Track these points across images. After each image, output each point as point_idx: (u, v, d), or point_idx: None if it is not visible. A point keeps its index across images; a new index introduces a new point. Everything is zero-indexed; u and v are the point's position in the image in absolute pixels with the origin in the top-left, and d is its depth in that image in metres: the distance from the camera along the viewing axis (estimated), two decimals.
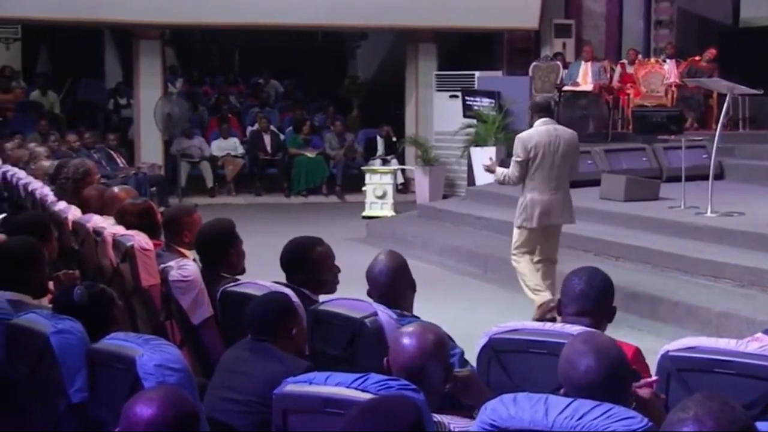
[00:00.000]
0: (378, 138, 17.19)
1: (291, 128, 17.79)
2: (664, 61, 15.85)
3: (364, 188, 14.77)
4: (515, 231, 8.15)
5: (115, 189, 6.74)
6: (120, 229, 5.45)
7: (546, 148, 7.90)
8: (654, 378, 3.34)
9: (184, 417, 2.60)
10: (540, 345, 3.49)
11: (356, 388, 2.87)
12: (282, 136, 17.45)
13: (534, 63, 16.33)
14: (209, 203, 15.32)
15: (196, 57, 22.62)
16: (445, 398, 3.22)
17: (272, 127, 17.45)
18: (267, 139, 17.03)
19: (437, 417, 2.86)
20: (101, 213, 6.18)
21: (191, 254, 5.32)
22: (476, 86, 15.12)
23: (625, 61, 16.43)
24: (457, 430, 2.93)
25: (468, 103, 14.70)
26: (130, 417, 2.56)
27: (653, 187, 11.42)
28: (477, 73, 15.41)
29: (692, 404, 2.31)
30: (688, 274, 8.90)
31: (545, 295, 7.99)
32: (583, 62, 15.68)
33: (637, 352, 3.69)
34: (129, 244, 5.09)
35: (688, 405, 2.31)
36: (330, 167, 16.89)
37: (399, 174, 16.24)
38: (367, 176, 14.81)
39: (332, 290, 4.69)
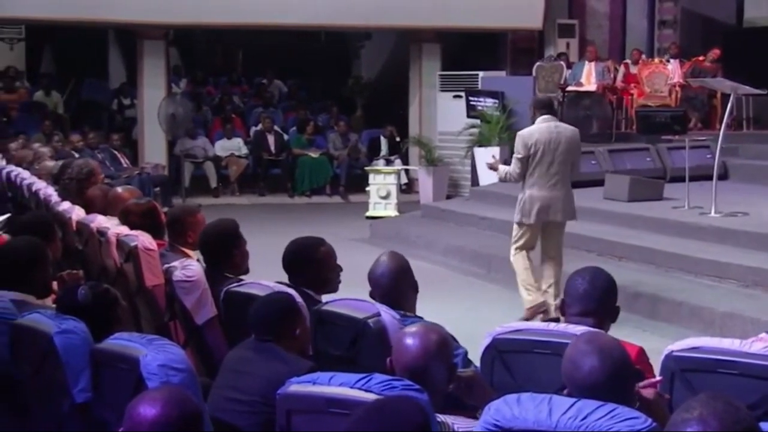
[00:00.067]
0: (382, 138, 17.20)
1: (295, 128, 17.79)
2: (668, 61, 15.83)
3: (367, 188, 14.78)
4: (514, 227, 8.23)
5: (119, 189, 6.74)
6: (124, 229, 5.45)
7: (546, 145, 7.94)
8: (658, 378, 3.34)
9: (188, 417, 2.60)
10: (544, 345, 3.49)
11: (360, 389, 2.87)
12: (286, 137, 17.45)
13: (538, 63, 16.33)
14: (213, 203, 15.32)
15: (200, 57, 22.62)
16: (448, 398, 3.22)
17: (276, 128, 17.45)
18: (271, 139, 17.03)
19: (441, 417, 2.86)
20: (105, 213, 6.19)
21: (195, 254, 5.32)
22: (480, 86, 15.12)
23: (628, 61, 16.41)
24: (460, 430, 2.93)
25: (472, 103, 14.70)
26: (134, 417, 2.56)
27: (657, 187, 11.41)
28: (480, 74, 15.41)
29: (696, 404, 2.31)
30: (691, 274, 8.89)
31: (536, 297, 8.08)
32: (586, 62, 15.67)
33: (641, 352, 3.69)
34: (133, 244, 5.10)
35: (693, 405, 2.31)
36: (334, 167, 16.89)
37: (403, 174, 16.25)
38: (371, 176, 14.81)
39: (335, 289, 4.69)
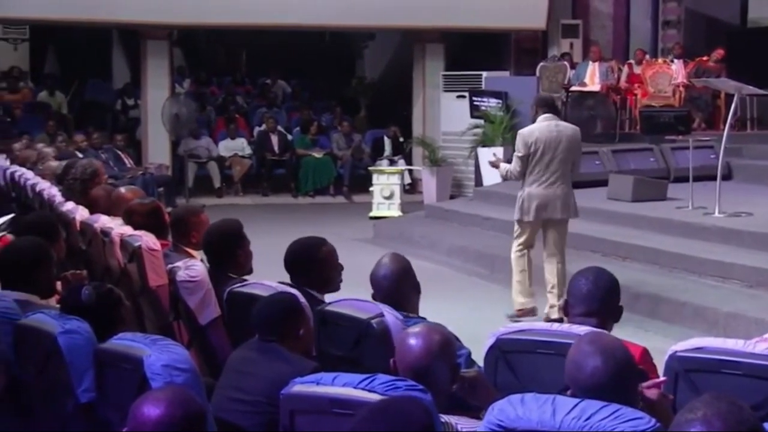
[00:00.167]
0: (385, 138, 17.20)
1: (298, 129, 17.80)
2: (672, 61, 15.81)
3: (371, 189, 14.78)
4: (515, 225, 8.31)
5: (122, 189, 6.74)
6: (128, 230, 5.46)
7: (546, 144, 8.00)
8: (662, 378, 3.34)
9: (192, 417, 2.61)
10: (547, 345, 3.49)
11: (364, 389, 2.87)
12: (289, 137, 17.47)
13: (541, 63, 16.32)
14: (216, 204, 15.34)
15: (204, 57, 22.65)
16: (452, 399, 3.22)
17: (279, 128, 17.46)
18: (274, 139, 17.05)
19: (444, 418, 2.86)
20: (109, 213, 6.19)
21: (198, 254, 5.32)
22: (483, 86, 15.11)
23: (632, 61, 16.40)
24: (464, 430, 2.92)
25: (475, 103, 14.70)
26: (138, 417, 2.57)
27: (661, 187, 11.40)
28: (484, 74, 15.40)
29: (700, 405, 2.31)
30: (695, 274, 8.89)
31: (527, 300, 8.21)
32: (590, 62, 15.66)
33: (645, 352, 3.69)
34: (136, 244, 5.10)
35: (696, 406, 2.31)
36: (337, 168, 16.90)
37: (406, 174, 16.25)
38: (375, 177, 14.81)
39: (337, 289, 4.70)
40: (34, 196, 8.62)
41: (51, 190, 8.03)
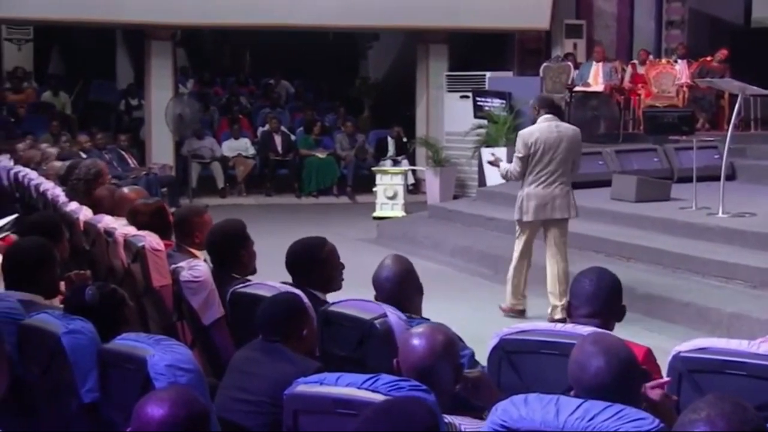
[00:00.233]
0: (389, 139, 17.21)
1: (302, 129, 17.81)
2: (676, 61, 15.80)
3: (374, 189, 14.78)
4: (516, 225, 8.41)
5: (126, 189, 6.75)
6: (131, 230, 5.46)
7: (546, 144, 8.07)
8: (666, 379, 3.34)
9: (195, 417, 2.61)
10: (551, 346, 3.49)
11: (367, 389, 2.87)
12: (293, 137, 17.47)
13: (545, 63, 16.30)
14: (220, 204, 15.34)
15: (208, 58, 22.66)
16: (455, 399, 3.22)
17: (283, 128, 17.47)
18: (278, 139, 17.05)
19: (448, 418, 2.85)
20: (112, 213, 6.19)
21: (202, 255, 5.32)
22: (487, 87, 15.11)
23: (636, 61, 16.39)
24: (467, 430, 2.92)
25: (479, 103, 14.70)
26: (142, 417, 2.57)
27: (664, 187, 11.39)
28: (488, 74, 15.40)
29: (704, 405, 2.31)
30: (699, 274, 8.88)
31: (518, 302, 8.36)
32: (594, 63, 15.64)
33: (649, 352, 3.68)
34: (140, 244, 5.10)
35: (700, 406, 2.31)
36: (341, 168, 16.90)
37: (410, 175, 16.25)
38: (378, 177, 14.81)
39: (339, 287, 4.71)
40: (38, 197, 8.62)
41: (55, 191, 8.03)
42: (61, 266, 4.83)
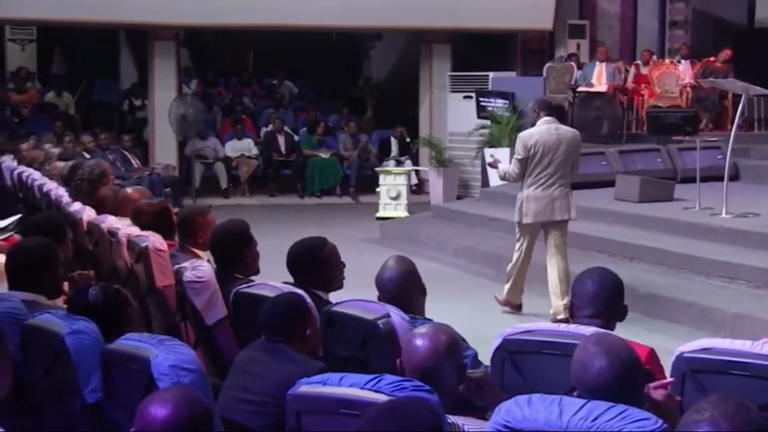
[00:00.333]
0: (392, 139, 17.21)
1: (305, 129, 17.81)
2: (679, 61, 15.79)
3: (378, 189, 14.78)
4: (516, 227, 8.50)
5: (129, 190, 6.75)
6: (135, 230, 5.46)
7: (546, 146, 8.14)
8: (669, 379, 3.34)
9: (199, 417, 2.61)
10: (554, 346, 3.49)
11: (370, 389, 2.87)
12: (296, 137, 17.47)
13: (548, 64, 16.30)
14: (223, 204, 15.35)
15: (211, 58, 22.68)
16: (458, 399, 3.22)
17: (286, 128, 17.47)
18: (281, 140, 17.05)
19: (451, 418, 2.85)
20: (116, 214, 6.19)
21: (205, 255, 5.32)
22: (490, 87, 15.11)
23: (639, 61, 16.37)
24: (471, 430, 2.92)
25: (482, 104, 14.69)
26: (145, 417, 2.57)
27: (668, 188, 11.39)
28: (491, 74, 15.40)
29: (707, 406, 2.31)
30: (702, 275, 8.87)
31: (515, 297, 8.49)
32: (597, 63, 15.64)
33: (652, 353, 3.68)
34: (143, 244, 5.10)
35: (703, 406, 2.31)
36: (344, 168, 16.90)
37: (413, 175, 16.25)
38: (381, 177, 14.81)
39: (341, 286, 4.72)
40: (42, 197, 8.63)
41: (58, 191, 8.04)
42: (65, 266, 4.84)
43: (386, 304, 4.00)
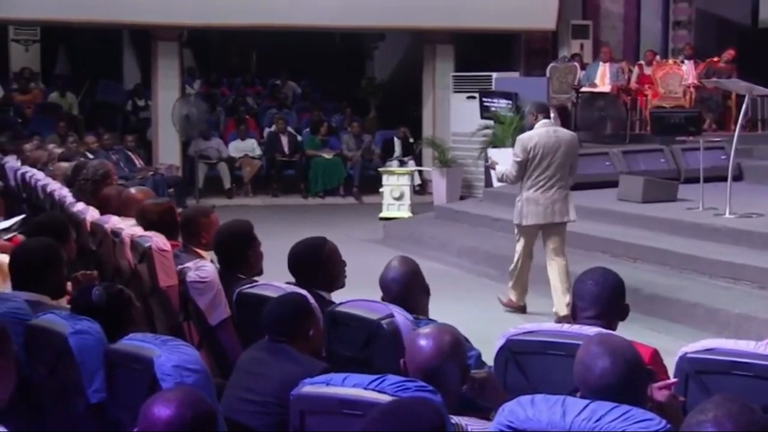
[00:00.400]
0: (395, 139, 17.20)
1: (308, 129, 17.81)
2: (682, 62, 15.79)
3: (381, 189, 14.78)
4: (515, 229, 8.57)
5: (133, 190, 6.75)
6: (138, 230, 5.47)
7: (545, 149, 8.22)
8: (673, 380, 3.33)
9: (202, 417, 2.61)
10: (557, 346, 3.49)
11: (373, 390, 2.87)
12: (299, 138, 17.48)
13: (551, 64, 16.30)
14: (226, 204, 15.36)
15: (214, 58, 22.67)
16: (462, 400, 3.22)
17: (289, 129, 17.48)
18: (284, 140, 17.06)
19: (455, 419, 2.85)
20: (119, 214, 6.20)
21: (208, 255, 5.32)
22: (493, 87, 15.10)
23: (642, 62, 16.38)
24: (474, 431, 2.92)
25: (485, 104, 14.69)
26: (149, 417, 2.57)
27: (671, 188, 11.38)
28: (494, 75, 15.40)
29: (711, 406, 2.31)
30: (706, 275, 8.87)
31: (520, 298, 8.58)
32: (600, 63, 15.64)
33: (655, 353, 3.68)
34: (147, 245, 5.11)
35: (707, 407, 2.31)
36: (347, 168, 16.90)
37: (416, 175, 16.25)
38: (384, 177, 14.81)
39: (343, 285, 4.73)
40: (45, 197, 8.63)
41: (62, 191, 8.04)
42: (68, 267, 4.84)
43: (390, 304, 4.00)
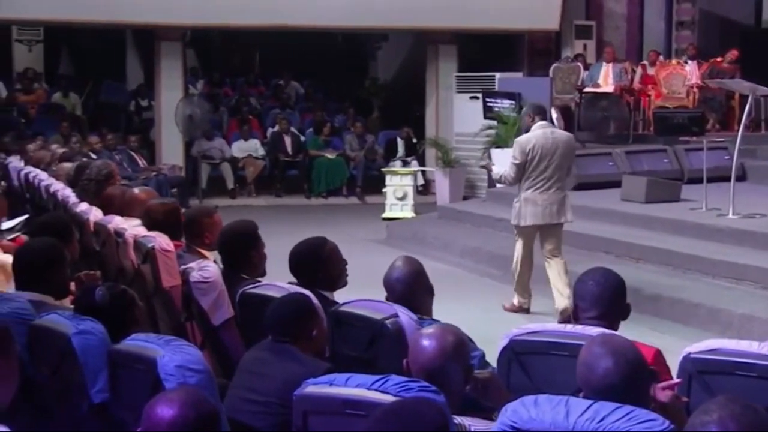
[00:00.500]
0: (398, 139, 17.21)
1: (311, 130, 17.81)
2: (686, 62, 15.78)
3: (384, 190, 14.78)
4: (514, 230, 8.62)
5: (136, 190, 6.76)
6: (141, 230, 5.47)
7: (543, 151, 8.28)
8: (676, 380, 3.33)
9: (205, 418, 2.61)
10: (560, 347, 3.49)
11: (377, 390, 2.87)
12: (302, 138, 17.48)
13: (555, 64, 16.29)
14: (230, 205, 15.36)
15: (217, 58, 22.69)
16: (465, 400, 3.22)
17: (293, 129, 17.48)
18: (287, 140, 17.06)
19: (458, 419, 2.85)
20: (122, 214, 6.20)
21: (211, 255, 5.33)
22: (497, 87, 15.09)
23: (646, 62, 16.37)
24: (477, 431, 2.92)
25: (488, 104, 14.68)
26: (152, 417, 2.57)
27: (674, 188, 11.37)
28: (497, 75, 15.38)
29: (714, 407, 2.30)
30: (709, 275, 8.86)
31: (524, 301, 8.62)
32: (604, 63, 15.63)
33: (658, 353, 3.68)
34: (150, 245, 5.11)
35: (711, 407, 2.31)
36: (350, 169, 16.90)
37: (419, 175, 16.25)
38: (388, 178, 14.81)
39: (345, 284, 4.73)
40: (48, 197, 8.64)
41: (65, 191, 8.05)
42: (72, 267, 4.84)
43: (394, 304, 4.00)
